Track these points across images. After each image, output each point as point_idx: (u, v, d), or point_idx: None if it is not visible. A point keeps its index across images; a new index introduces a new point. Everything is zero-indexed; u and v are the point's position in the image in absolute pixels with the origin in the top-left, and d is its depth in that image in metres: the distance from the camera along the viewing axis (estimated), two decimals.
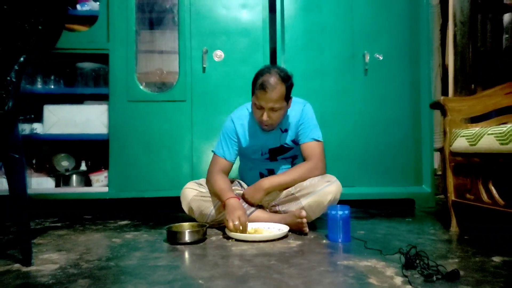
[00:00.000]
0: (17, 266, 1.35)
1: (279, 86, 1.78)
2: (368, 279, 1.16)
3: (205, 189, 1.95)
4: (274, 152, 2.00)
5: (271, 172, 2.01)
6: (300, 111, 1.95)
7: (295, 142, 1.98)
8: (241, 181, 2.10)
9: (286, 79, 1.81)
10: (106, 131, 2.48)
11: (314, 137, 1.92)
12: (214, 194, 1.88)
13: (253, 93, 1.85)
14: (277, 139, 1.97)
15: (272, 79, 1.77)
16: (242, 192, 1.95)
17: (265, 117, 1.80)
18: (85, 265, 1.35)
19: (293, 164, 2.03)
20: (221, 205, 1.83)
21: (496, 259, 1.37)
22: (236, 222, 1.67)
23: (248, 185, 2.00)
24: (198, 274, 1.24)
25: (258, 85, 1.79)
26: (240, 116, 2.01)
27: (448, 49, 3.08)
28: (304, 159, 1.94)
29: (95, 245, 1.65)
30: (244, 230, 1.68)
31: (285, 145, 1.98)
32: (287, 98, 1.84)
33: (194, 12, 2.51)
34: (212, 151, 2.03)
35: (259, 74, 1.83)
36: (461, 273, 1.19)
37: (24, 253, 1.36)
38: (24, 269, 1.32)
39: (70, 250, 1.57)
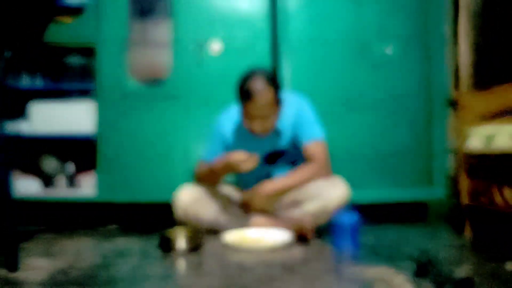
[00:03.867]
0: (3, 271, 1.35)
1: (266, 91, 1.75)
2: None
3: (201, 192, 1.94)
4: (270, 156, 1.98)
5: (270, 177, 1.97)
6: (295, 107, 1.92)
7: (293, 143, 1.94)
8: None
9: (272, 80, 1.79)
10: (94, 130, 2.47)
11: (314, 136, 1.90)
12: (208, 174, 1.91)
13: (239, 103, 1.83)
14: (272, 142, 1.94)
15: (258, 84, 1.74)
16: (240, 197, 1.95)
17: (256, 126, 1.80)
18: (73, 273, 1.35)
19: (293, 166, 2.00)
20: (219, 209, 1.84)
21: (511, 265, 1.38)
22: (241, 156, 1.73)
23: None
24: (193, 284, 1.24)
25: (243, 94, 1.77)
26: (229, 118, 1.98)
27: (460, 42, 3.08)
28: (306, 161, 1.93)
29: (83, 251, 1.66)
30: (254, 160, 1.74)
31: (282, 148, 1.96)
32: (277, 100, 1.82)
33: (189, 1, 2.50)
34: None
35: (243, 81, 1.80)
36: (475, 280, 1.20)
37: (10, 258, 1.36)
38: (10, 275, 1.32)
39: (57, 255, 1.57)
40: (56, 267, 1.42)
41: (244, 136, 1.95)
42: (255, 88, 1.74)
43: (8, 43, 1.34)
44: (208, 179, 1.91)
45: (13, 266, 1.36)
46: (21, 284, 1.23)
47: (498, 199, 1.67)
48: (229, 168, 1.79)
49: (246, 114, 1.80)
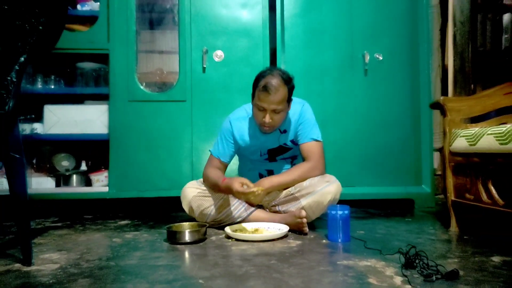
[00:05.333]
0: (17, 265, 1.35)
1: (281, 88, 1.78)
2: (368, 279, 1.16)
3: (205, 188, 1.94)
4: (273, 152, 2.00)
5: (271, 173, 2.01)
6: (298, 111, 1.95)
7: (294, 142, 1.98)
8: None
9: (288, 81, 1.82)
10: (106, 131, 2.48)
11: (313, 137, 1.92)
12: (211, 186, 1.90)
13: (254, 95, 1.85)
14: (276, 140, 1.97)
15: (275, 81, 1.77)
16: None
17: (267, 119, 1.80)
18: (85, 265, 1.35)
19: (292, 164, 2.04)
20: (221, 204, 1.84)
21: (496, 259, 1.37)
22: (240, 184, 1.71)
23: None
24: (198, 273, 1.24)
25: (260, 87, 1.79)
26: (238, 118, 2.01)
27: (447, 49, 3.08)
28: (303, 159, 1.94)
29: (95, 245, 1.65)
30: (251, 191, 1.70)
31: (284, 146, 1.99)
32: (289, 100, 1.84)
33: (194, 12, 2.51)
34: (209, 150, 2.04)
35: (261, 76, 1.83)
36: (461, 272, 1.19)
37: (24, 253, 1.36)
38: (25, 268, 1.32)
39: (70, 249, 1.57)
40: (68, 261, 1.41)
41: (251, 133, 1.98)
42: (272, 83, 1.76)
43: (23, 48, 1.34)
44: (212, 187, 1.92)
45: (27, 260, 1.35)
46: (35, 277, 1.23)
47: (483, 195, 1.67)
48: (229, 190, 1.80)
49: (260, 107, 1.80)
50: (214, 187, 1.90)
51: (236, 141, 1.99)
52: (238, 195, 1.74)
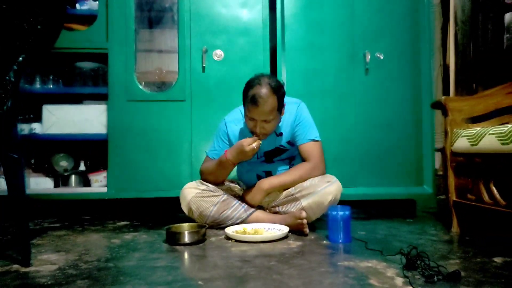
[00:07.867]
0: (15, 266, 1.35)
1: (270, 99, 1.75)
2: (369, 280, 1.16)
3: (205, 187, 1.94)
4: (270, 154, 1.99)
5: (269, 174, 1.99)
6: (294, 112, 1.94)
7: (291, 143, 1.97)
8: (240, 182, 2.10)
9: (278, 90, 1.78)
10: (105, 131, 2.47)
11: (311, 137, 1.92)
12: (215, 170, 1.91)
13: (244, 104, 1.84)
14: (272, 142, 1.97)
15: (263, 92, 1.74)
16: (242, 192, 1.95)
17: (258, 129, 1.79)
18: (84, 266, 1.35)
19: (291, 165, 2.03)
20: (221, 205, 1.85)
21: (497, 260, 1.37)
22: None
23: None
24: (197, 275, 1.24)
25: (249, 98, 1.76)
26: (233, 120, 2.01)
27: (449, 48, 3.08)
28: (302, 160, 1.94)
29: (94, 246, 1.65)
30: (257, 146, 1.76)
31: (281, 147, 1.98)
32: (280, 107, 1.82)
33: (194, 11, 2.51)
34: (206, 152, 2.04)
35: (249, 86, 1.80)
36: (462, 274, 1.19)
37: (23, 253, 1.36)
38: (23, 269, 1.32)
39: (69, 250, 1.57)
40: (67, 262, 1.41)
41: (246, 135, 1.96)
42: (261, 94, 1.74)
43: (21, 48, 1.34)
44: (215, 173, 1.91)
45: (26, 261, 1.35)
46: (33, 278, 1.23)
47: (485, 196, 1.67)
48: (238, 151, 1.79)
49: (250, 118, 1.80)
50: (217, 170, 1.90)
51: (231, 143, 1.98)
52: (245, 148, 1.77)
